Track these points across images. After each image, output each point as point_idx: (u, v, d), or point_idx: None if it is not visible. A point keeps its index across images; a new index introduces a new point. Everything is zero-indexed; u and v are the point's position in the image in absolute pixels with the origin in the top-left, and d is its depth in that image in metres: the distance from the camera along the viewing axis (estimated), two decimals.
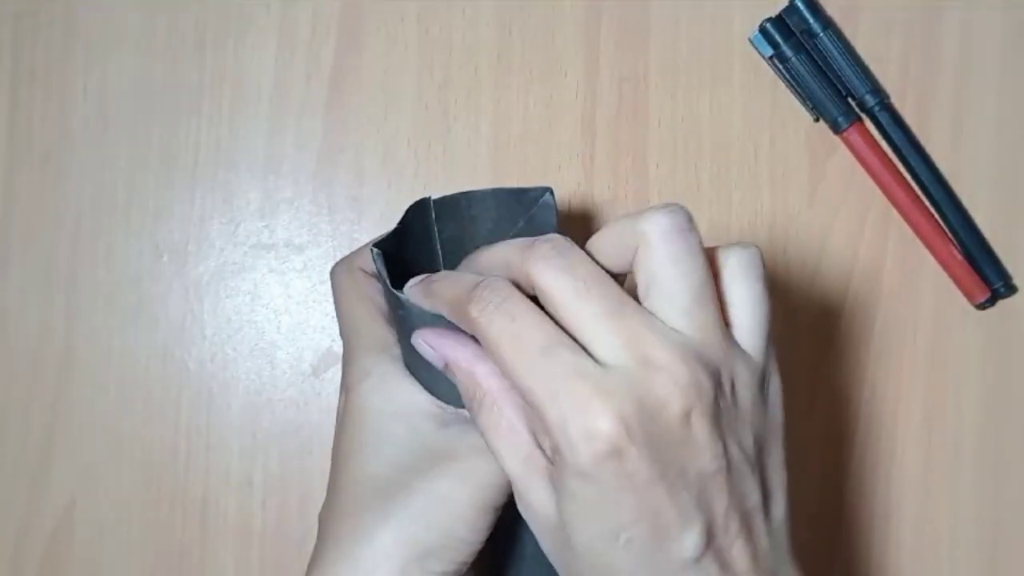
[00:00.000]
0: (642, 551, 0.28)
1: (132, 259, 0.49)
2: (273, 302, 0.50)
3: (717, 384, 0.28)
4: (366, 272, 0.38)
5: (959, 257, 0.50)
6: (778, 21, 0.49)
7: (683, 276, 0.28)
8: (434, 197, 0.39)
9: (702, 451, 0.28)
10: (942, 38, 0.51)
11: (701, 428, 0.27)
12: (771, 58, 0.50)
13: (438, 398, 0.34)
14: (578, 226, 0.50)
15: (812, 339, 0.50)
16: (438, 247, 0.39)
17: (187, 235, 0.50)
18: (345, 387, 0.36)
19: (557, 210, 0.36)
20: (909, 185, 0.50)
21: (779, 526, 0.31)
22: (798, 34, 0.49)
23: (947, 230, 0.50)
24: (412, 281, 0.33)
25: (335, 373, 0.50)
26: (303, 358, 0.50)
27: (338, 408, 0.36)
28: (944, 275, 0.50)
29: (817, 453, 0.50)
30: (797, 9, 0.49)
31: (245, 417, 0.49)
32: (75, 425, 0.49)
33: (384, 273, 0.34)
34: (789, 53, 0.49)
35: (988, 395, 0.51)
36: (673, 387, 0.27)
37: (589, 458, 0.27)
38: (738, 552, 0.29)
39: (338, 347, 0.50)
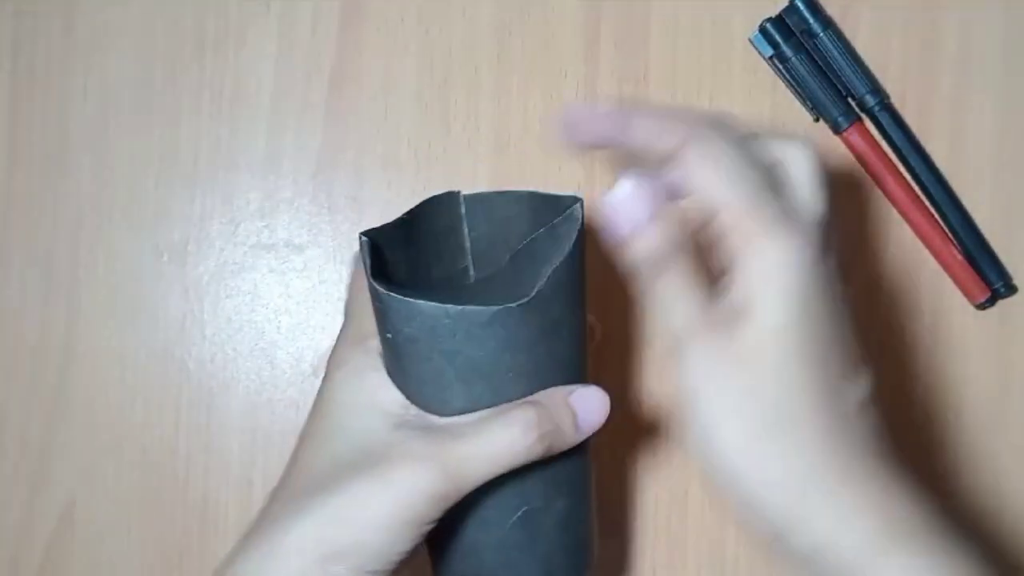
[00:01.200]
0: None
1: (132, 259, 0.49)
2: (273, 302, 0.50)
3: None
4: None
5: (959, 257, 0.50)
6: (778, 21, 0.49)
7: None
8: (465, 193, 0.38)
9: (843, 309, 0.33)
10: (942, 38, 0.51)
11: (840, 288, 0.32)
12: (771, 58, 0.50)
13: (407, 396, 0.34)
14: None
15: None
16: (467, 244, 0.39)
17: (187, 235, 0.50)
18: (325, 373, 0.36)
19: (584, 221, 0.36)
20: (909, 185, 0.50)
21: None
22: (798, 34, 0.49)
23: (947, 230, 0.50)
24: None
25: None
26: (303, 358, 0.50)
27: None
28: (944, 275, 0.50)
29: None
30: (797, 9, 0.49)
31: (245, 417, 0.49)
32: (75, 425, 0.49)
33: (368, 261, 0.33)
34: (789, 53, 0.49)
35: (988, 395, 0.51)
36: (831, 249, 0.32)
37: (783, 261, 0.30)
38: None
39: None
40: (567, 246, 0.34)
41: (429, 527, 0.32)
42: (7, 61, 0.49)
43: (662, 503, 0.50)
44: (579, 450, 0.35)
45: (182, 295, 0.49)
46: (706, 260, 0.33)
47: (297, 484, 0.33)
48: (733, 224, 0.31)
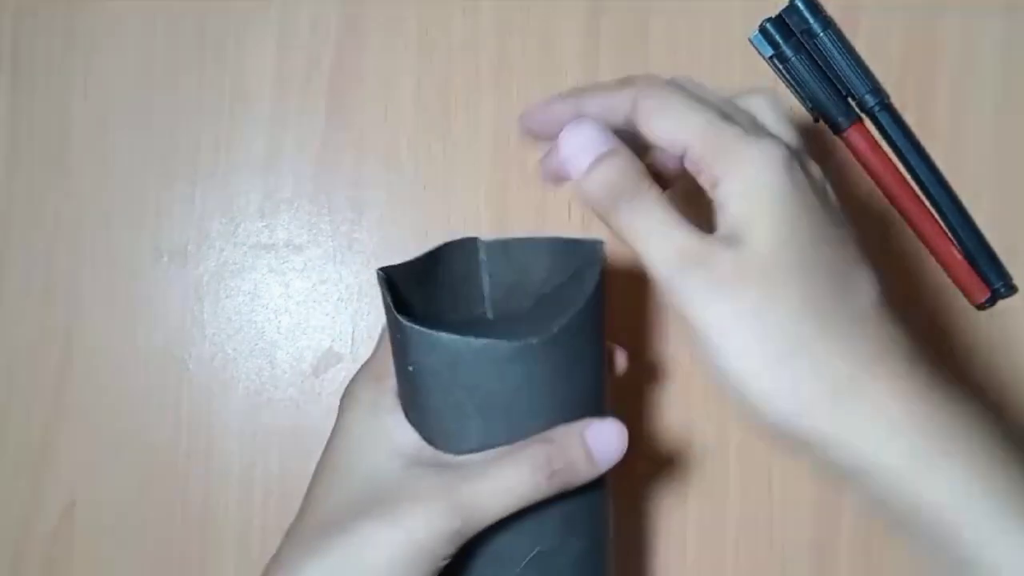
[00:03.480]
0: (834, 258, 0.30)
1: (132, 259, 0.49)
2: (273, 302, 0.50)
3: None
4: None
5: (959, 257, 0.50)
6: (778, 21, 0.49)
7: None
8: (484, 239, 0.38)
9: (837, 213, 0.32)
10: (942, 38, 0.51)
11: (832, 195, 0.32)
12: (771, 58, 0.50)
13: (423, 432, 0.34)
14: (578, 228, 0.50)
15: None
16: (484, 290, 0.38)
17: (187, 235, 0.50)
18: (340, 406, 0.35)
19: (606, 263, 0.35)
20: (909, 185, 0.50)
21: None
22: (798, 34, 0.49)
23: (947, 230, 0.50)
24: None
25: (335, 373, 0.50)
26: (303, 358, 0.50)
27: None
28: (944, 275, 0.50)
29: None
30: (797, 9, 0.49)
31: (245, 417, 0.49)
32: (75, 425, 0.49)
33: (387, 296, 0.33)
34: (789, 53, 0.49)
35: (988, 395, 0.51)
36: (809, 160, 0.32)
37: (770, 170, 0.30)
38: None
39: (338, 347, 0.50)
40: (589, 287, 0.34)
41: (443, 563, 0.32)
42: (7, 61, 0.49)
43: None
44: (596, 487, 0.35)
45: (182, 295, 0.49)
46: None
47: (309, 524, 0.33)
48: (702, 155, 0.30)
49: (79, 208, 0.49)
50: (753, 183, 0.30)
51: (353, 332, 0.50)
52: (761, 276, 0.29)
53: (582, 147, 0.31)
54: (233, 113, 0.50)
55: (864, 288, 0.31)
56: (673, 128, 0.31)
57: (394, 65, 0.50)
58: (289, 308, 0.50)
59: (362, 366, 0.37)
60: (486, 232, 0.49)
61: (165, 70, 0.50)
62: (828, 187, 0.32)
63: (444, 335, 0.32)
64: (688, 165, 0.31)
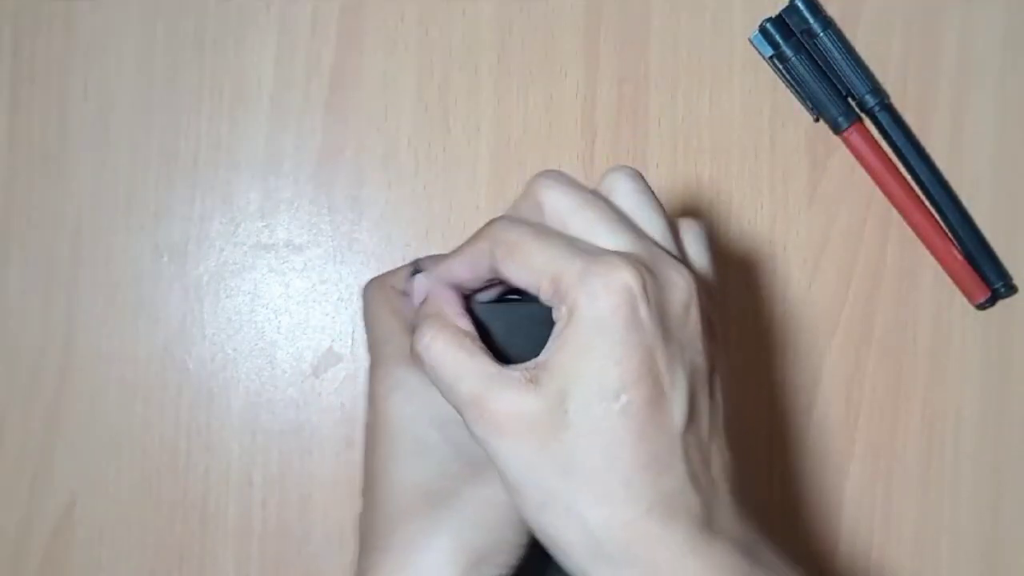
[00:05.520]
0: (638, 416, 0.29)
1: (132, 259, 0.49)
2: (273, 302, 0.50)
3: (710, 296, 0.32)
4: (397, 289, 0.38)
5: (959, 257, 0.50)
6: (778, 21, 0.49)
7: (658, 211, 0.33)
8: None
9: (696, 339, 0.30)
10: (942, 38, 0.51)
11: (696, 320, 0.30)
12: (771, 58, 0.50)
13: None
14: None
15: (812, 339, 0.50)
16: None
17: (187, 235, 0.50)
18: (375, 397, 0.35)
19: None
20: (909, 185, 0.50)
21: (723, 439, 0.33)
22: (798, 34, 0.49)
23: (947, 230, 0.50)
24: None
25: (335, 373, 0.50)
26: (303, 358, 0.50)
27: (367, 419, 0.35)
28: (944, 275, 0.50)
29: (817, 452, 0.50)
30: (797, 9, 0.49)
31: (245, 417, 0.49)
32: (75, 425, 0.49)
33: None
34: (789, 53, 0.49)
35: (988, 395, 0.51)
36: (679, 277, 0.30)
37: (608, 305, 0.28)
38: (710, 442, 0.31)
39: (338, 347, 0.50)
40: None
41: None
42: (7, 61, 0.49)
43: None
44: None
45: (182, 295, 0.49)
46: None
47: (408, 506, 0.33)
48: (552, 293, 0.30)
49: (79, 208, 0.49)
50: (589, 321, 0.29)
51: (353, 332, 0.50)
52: (571, 421, 0.29)
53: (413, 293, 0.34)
54: (233, 113, 0.50)
55: (672, 414, 0.30)
56: (523, 274, 0.31)
57: (394, 65, 0.50)
58: (289, 308, 0.50)
59: (379, 352, 0.36)
60: None
61: (165, 70, 0.50)
62: (692, 310, 0.31)
63: (486, 304, 0.33)
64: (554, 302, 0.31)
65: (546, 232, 0.31)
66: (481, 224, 0.51)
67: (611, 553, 0.29)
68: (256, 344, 0.50)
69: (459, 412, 0.30)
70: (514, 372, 0.30)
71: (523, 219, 0.33)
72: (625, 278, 0.29)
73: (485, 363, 0.30)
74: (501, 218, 0.33)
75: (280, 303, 0.50)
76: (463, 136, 0.50)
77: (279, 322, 0.50)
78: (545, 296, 0.30)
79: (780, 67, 0.49)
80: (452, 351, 0.31)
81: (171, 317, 0.49)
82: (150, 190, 0.50)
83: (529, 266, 0.30)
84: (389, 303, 0.37)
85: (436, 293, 0.33)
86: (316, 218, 0.50)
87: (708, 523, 0.30)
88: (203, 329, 0.50)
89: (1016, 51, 0.51)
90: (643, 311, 0.29)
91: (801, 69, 0.49)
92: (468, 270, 0.33)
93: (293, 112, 0.50)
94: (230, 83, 0.50)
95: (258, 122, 0.50)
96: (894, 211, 0.50)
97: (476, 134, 0.50)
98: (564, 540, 0.29)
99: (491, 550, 0.32)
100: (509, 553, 0.32)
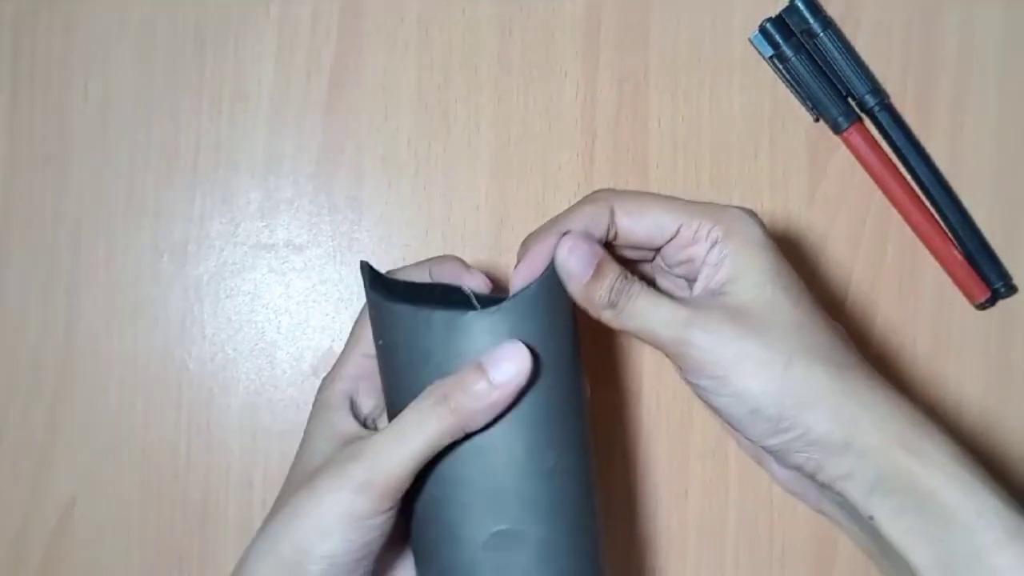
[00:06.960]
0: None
1: (132, 259, 0.49)
2: (273, 302, 0.50)
3: None
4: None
5: (959, 257, 0.50)
6: (778, 21, 0.49)
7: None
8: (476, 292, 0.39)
9: None
10: (942, 38, 0.51)
11: None
12: (771, 58, 0.50)
13: (390, 406, 0.36)
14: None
15: None
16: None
17: (187, 235, 0.50)
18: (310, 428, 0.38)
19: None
20: (909, 185, 0.50)
21: None
22: (798, 34, 0.49)
23: (947, 230, 0.50)
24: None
25: None
26: (303, 358, 0.50)
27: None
28: (944, 275, 0.50)
29: None
30: (797, 9, 0.49)
31: (245, 417, 0.49)
32: (75, 425, 0.49)
33: (367, 276, 0.36)
34: (789, 53, 0.49)
35: (988, 394, 0.51)
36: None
37: (761, 228, 0.36)
38: None
39: (338, 347, 0.50)
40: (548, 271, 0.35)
41: (374, 520, 0.33)
42: (7, 61, 0.49)
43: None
44: (565, 476, 0.35)
45: (182, 295, 0.49)
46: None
47: (278, 502, 0.36)
48: (700, 224, 0.35)
49: (79, 208, 0.49)
50: (748, 237, 0.35)
51: None
52: (754, 308, 0.34)
53: (580, 261, 0.35)
54: (233, 113, 0.50)
55: (839, 327, 0.36)
56: (662, 215, 0.36)
57: (394, 65, 0.50)
58: (289, 308, 0.50)
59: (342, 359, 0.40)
60: (485, 232, 0.50)
61: (165, 70, 0.50)
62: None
63: (404, 306, 0.34)
64: (673, 245, 0.36)
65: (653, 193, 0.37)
66: (481, 224, 0.51)
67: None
68: (256, 344, 0.50)
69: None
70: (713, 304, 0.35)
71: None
72: (752, 213, 0.36)
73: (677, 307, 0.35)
74: (600, 190, 0.37)
75: (280, 303, 0.50)
76: (463, 136, 0.50)
77: (279, 322, 0.50)
78: (684, 234, 0.35)
79: (780, 67, 0.49)
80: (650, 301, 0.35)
81: (171, 317, 0.49)
82: (150, 190, 0.50)
83: (667, 210, 0.36)
84: (364, 329, 0.39)
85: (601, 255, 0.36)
86: (316, 218, 0.50)
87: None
88: (203, 329, 0.50)
89: (1016, 51, 0.51)
90: (770, 236, 0.36)
91: (801, 69, 0.49)
92: (583, 229, 0.36)
93: (293, 112, 0.50)
94: (230, 83, 0.50)
95: (258, 122, 0.50)
96: (894, 211, 0.50)
97: (476, 134, 0.50)
98: None
99: (292, 560, 0.33)
100: (315, 563, 0.33)
